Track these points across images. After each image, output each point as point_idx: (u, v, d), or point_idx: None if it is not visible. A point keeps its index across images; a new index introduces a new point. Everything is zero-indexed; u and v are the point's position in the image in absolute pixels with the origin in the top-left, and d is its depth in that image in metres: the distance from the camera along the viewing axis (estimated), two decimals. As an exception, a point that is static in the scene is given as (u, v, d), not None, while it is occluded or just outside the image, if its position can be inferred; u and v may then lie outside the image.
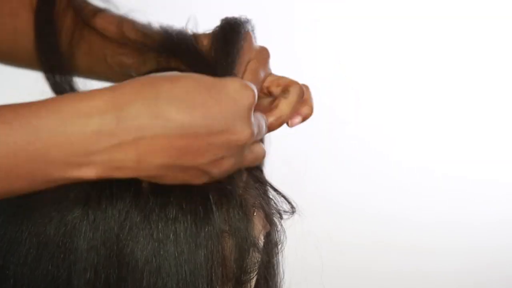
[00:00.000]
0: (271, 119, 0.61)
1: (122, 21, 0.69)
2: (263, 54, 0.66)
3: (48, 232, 0.55)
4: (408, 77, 1.58)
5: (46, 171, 0.49)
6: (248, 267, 0.58)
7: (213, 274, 0.56)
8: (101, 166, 0.50)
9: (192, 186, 0.55)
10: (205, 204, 0.57)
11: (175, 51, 0.65)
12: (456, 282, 1.69)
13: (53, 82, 0.67)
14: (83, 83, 0.69)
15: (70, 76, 0.68)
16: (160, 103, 0.50)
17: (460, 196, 1.65)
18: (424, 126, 1.62)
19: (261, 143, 0.58)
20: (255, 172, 0.63)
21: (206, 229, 0.56)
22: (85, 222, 0.55)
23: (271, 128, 0.61)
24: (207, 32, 0.67)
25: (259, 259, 0.60)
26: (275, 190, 0.65)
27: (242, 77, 0.63)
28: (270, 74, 0.66)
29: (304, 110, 0.65)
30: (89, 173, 0.50)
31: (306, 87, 0.66)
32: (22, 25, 0.72)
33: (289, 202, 0.66)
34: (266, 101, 0.65)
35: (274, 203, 0.64)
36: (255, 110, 0.55)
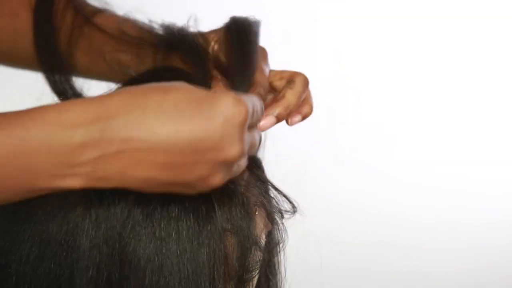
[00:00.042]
0: (279, 109, 0.61)
1: (122, 19, 0.69)
2: (264, 51, 0.66)
3: (50, 230, 0.55)
4: (408, 77, 1.58)
5: (31, 182, 0.49)
6: (250, 265, 0.58)
7: (215, 273, 0.56)
8: (85, 177, 0.49)
9: None
10: (207, 203, 0.57)
11: (175, 47, 0.65)
12: (456, 282, 1.69)
13: (53, 82, 0.67)
14: (82, 82, 0.69)
15: (70, 76, 0.68)
16: (147, 115, 0.49)
17: (460, 196, 1.65)
18: (424, 126, 1.62)
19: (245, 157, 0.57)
20: (256, 171, 0.63)
21: (209, 228, 0.56)
22: (87, 220, 0.55)
23: (279, 118, 0.61)
24: (211, 30, 0.67)
25: (261, 258, 0.60)
26: (276, 189, 0.65)
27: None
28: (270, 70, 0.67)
29: (304, 109, 0.64)
30: (73, 183, 0.50)
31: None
32: (22, 25, 0.72)
33: (290, 202, 0.66)
34: (269, 98, 0.65)
35: (276, 202, 0.64)
36: (250, 127, 0.54)
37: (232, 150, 0.51)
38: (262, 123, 0.60)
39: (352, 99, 1.49)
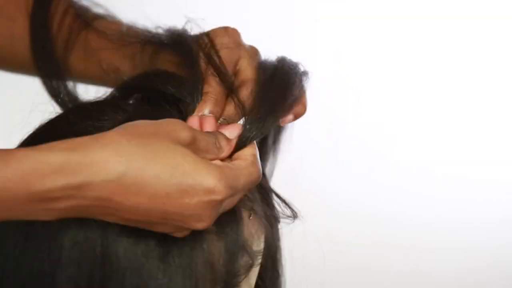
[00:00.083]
0: (300, 108, 0.63)
1: (122, 25, 0.70)
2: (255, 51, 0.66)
3: (34, 226, 0.56)
4: (408, 77, 1.58)
5: (5, 213, 0.50)
6: (237, 270, 0.58)
7: (199, 276, 0.56)
8: (59, 215, 0.51)
9: None
10: None
11: (173, 49, 0.65)
12: (456, 282, 1.69)
13: (50, 87, 0.68)
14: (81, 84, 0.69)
15: (66, 81, 0.68)
16: (126, 182, 0.50)
17: (460, 196, 1.65)
18: (424, 126, 1.62)
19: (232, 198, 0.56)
20: None
21: (193, 233, 0.56)
22: (71, 218, 0.55)
23: (298, 115, 0.64)
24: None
25: (250, 263, 0.59)
26: (277, 195, 0.65)
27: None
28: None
29: (297, 108, 0.64)
30: (47, 218, 0.51)
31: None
32: (18, 30, 0.72)
33: (291, 208, 0.66)
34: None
35: (274, 207, 0.63)
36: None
37: (197, 225, 0.53)
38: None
39: (352, 99, 1.49)
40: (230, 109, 0.61)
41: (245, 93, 0.61)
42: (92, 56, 0.70)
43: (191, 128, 0.54)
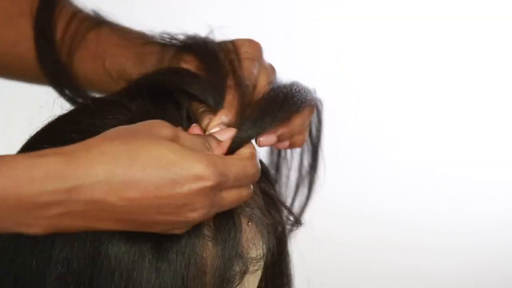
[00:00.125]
0: (283, 130, 0.61)
1: (128, 29, 0.70)
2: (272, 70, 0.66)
3: None
4: (408, 77, 1.58)
5: None
6: (230, 277, 0.58)
7: (190, 282, 0.56)
8: (49, 227, 0.51)
9: None
10: None
11: (193, 50, 0.65)
12: (456, 282, 1.69)
13: (57, 87, 0.68)
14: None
15: (73, 81, 0.68)
16: (115, 180, 0.50)
17: (460, 196, 1.65)
18: (424, 126, 1.62)
19: (240, 188, 0.56)
20: (260, 181, 0.62)
21: (187, 236, 0.56)
22: None
23: (280, 138, 0.61)
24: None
25: (244, 269, 0.59)
26: (281, 203, 0.64)
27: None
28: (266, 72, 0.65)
29: (297, 138, 0.64)
30: (37, 231, 0.51)
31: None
32: (22, 34, 0.72)
33: (294, 215, 0.65)
34: None
35: (276, 215, 0.63)
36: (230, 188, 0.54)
37: (192, 215, 0.52)
38: (262, 139, 0.60)
39: (352, 99, 1.49)
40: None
41: None
42: (95, 56, 0.70)
43: (172, 126, 0.54)
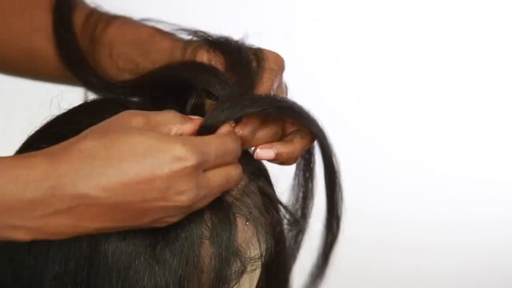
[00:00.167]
0: (283, 149, 0.60)
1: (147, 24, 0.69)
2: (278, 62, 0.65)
3: None
4: (408, 77, 1.58)
5: None
6: (227, 276, 0.58)
7: (186, 282, 0.56)
8: (36, 231, 0.51)
9: None
10: None
11: (228, 49, 0.63)
12: (456, 282, 1.69)
13: (78, 75, 0.67)
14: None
15: (93, 68, 0.67)
16: (94, 172, 0.50)
17: (460, 196, 1.65)
18: (424, 126, 1.62)
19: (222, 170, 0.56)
20: (258, 181, 0.62)
21: (183, 236, 0.55)
22: None
23: (278, 157, 0.60)
24: None
25: (242, 269, 0.59)
26: (279, 202, 0.64)
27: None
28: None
29: (281, 146, 0.61)
30: (24, 236, 0.51)
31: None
32: (39, 22, 0.72)
33: (293, 215, 0.65)
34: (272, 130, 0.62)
35: (275, 214, 0.63)
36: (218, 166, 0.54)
37: (180, 198, 0.52)
38: (259, 151, 0.60)
39: (352, 99, 1.49)
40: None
41: None
42: (113, 53, 0.69)
43: (143, 113, 0.54)
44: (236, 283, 0.58)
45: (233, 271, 0.58)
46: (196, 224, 0.56)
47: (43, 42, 0.71)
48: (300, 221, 0.66)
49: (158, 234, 0.55)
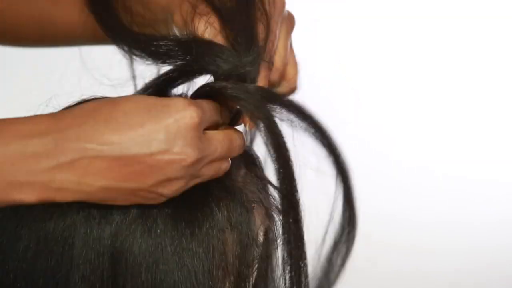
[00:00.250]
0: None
1: None
2: (291, 21, 0.64)
3: (47, 227, 0.56)
4: (408, 77, 1.58)
5: None
6: (249, 262, 0.58)
7: (214, 270, 0.56)
8: (42, 188, 0.50)
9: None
10: (206, 199, 0.57)
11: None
12: (456, 282, 1.69)
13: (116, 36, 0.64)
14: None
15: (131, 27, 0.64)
16: (98, 125, 0.50)
17: (460, 196, 1.65)
18: (424, 126, 1.62)
19: (224, 161, 0.56)
20: (253, 168, 0.63)
21: (207, 225, 0.56)
22: (83, 218, 0.55)
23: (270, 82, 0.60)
24: None
25: (259, 254, 0.60)
26: (274, 186, 0.65)
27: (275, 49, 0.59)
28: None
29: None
30: (30, 195, 0.50)
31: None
32: None
33: (287, 200, 0.65)
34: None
35: (273, 199, 0.64)
36: (224, 128, 0.55)
37: (186, 152, 0.51)
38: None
39: (352, 99, 1.49)
40: None
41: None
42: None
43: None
44: (256, 268, 0.59)
45: (254, 256, 0.58)
46: (216, 213, 0.56)
47: (49, 5, 0.71)
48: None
49: (182, 226, 0.55)
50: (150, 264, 0.55)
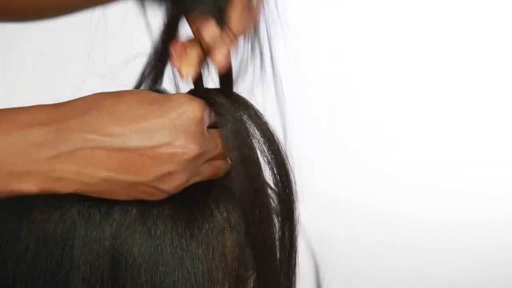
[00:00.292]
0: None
1: None
2: None
3: (47, 229, 0.55)
4: (408, 77, 1.58)
5: None
6: (247, 264, 0.58)
7: (214, 271, 0.56)
8: (42, 178, 0.50)
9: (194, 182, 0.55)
10: (205, 201, 0.57)
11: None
12: (456, 282, 1.69)
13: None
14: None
15: None
16: (101, 117, 0.50)
17: (460, 196, 1.65)
18: (424, 126, 1.62)
19: (224, 161, 0.56)
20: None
21: (207, 226, 0.56)
22: (83, 219, 0.55)
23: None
24: None
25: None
26: (272, 189, 0.65)
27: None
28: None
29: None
30: (31, 185, 0.50)
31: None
32: None
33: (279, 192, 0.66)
34: None
35: (272, 201, 0.64)
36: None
37: (188, 146, 0.51)
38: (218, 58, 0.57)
39: (352, 99, 1.49)
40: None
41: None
42: None
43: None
44: (254, 271, 0.59)
45: (252, 258, 0.58)
46: (216, 214, 0.56)
47: None
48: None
49: (181, 227, 0.55)
50: (149, 265, 0.55)
